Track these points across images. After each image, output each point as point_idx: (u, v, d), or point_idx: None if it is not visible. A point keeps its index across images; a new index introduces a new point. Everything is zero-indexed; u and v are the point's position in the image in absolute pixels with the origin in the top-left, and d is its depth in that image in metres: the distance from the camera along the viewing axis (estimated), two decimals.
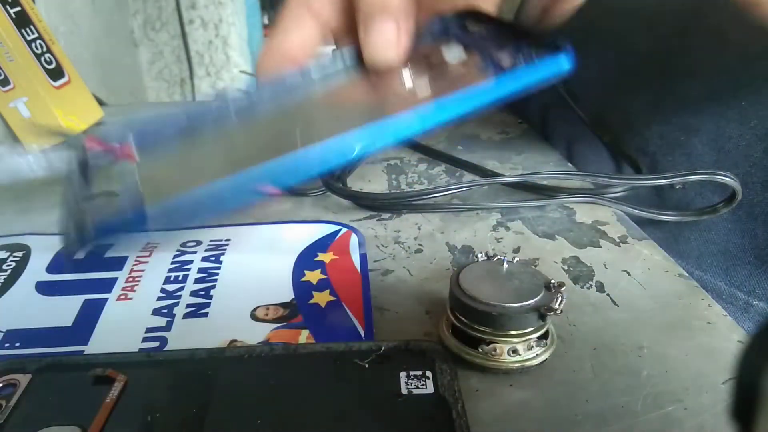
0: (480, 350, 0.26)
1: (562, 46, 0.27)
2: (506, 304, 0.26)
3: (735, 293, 0.41)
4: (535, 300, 0.26)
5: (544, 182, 0.42)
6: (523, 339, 0.26)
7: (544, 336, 0.27)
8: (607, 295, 0.32)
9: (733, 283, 0.42)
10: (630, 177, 0.39)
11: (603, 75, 0.47)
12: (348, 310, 0.30)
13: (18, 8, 0.50)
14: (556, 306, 0.26)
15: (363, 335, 0.28)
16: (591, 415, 0.24)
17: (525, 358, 0.26)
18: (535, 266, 0.34)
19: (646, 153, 0.45)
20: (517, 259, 0.29)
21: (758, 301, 0.41)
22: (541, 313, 0.26)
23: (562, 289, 0.26)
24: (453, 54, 0.28)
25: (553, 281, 0.27)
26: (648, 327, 0.29)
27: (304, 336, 0.28)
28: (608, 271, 0.34)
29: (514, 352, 0.26)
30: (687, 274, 0.33)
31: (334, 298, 0.31)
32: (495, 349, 0.26)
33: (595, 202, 0.40)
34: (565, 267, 0.34)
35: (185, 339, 0.28)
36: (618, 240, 0.37)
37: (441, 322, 0.28)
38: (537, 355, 0.26)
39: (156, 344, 0.28)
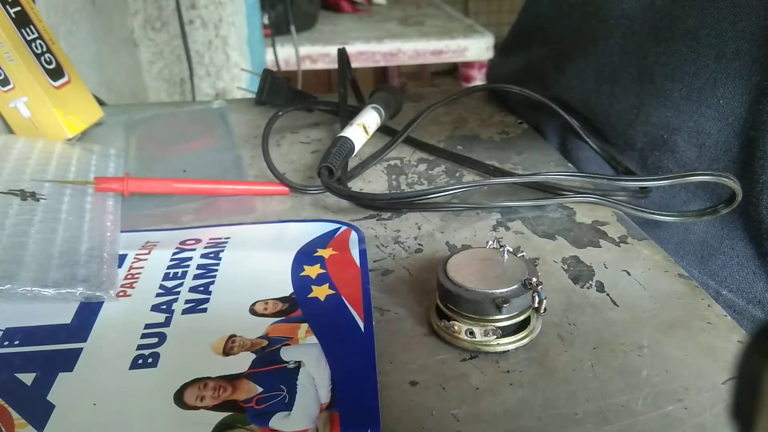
0: (443, 324, 0.28)
1: None
2: (468, 287, 0.27)
3: (707, 282, 0.43)
4: (500, 291, 0.27)
5: (547, 182, 0.42)
6: (480, 324, 0.27)
7: (513, 328, 0.28)
8: (607, 295, 0.32)
9: (706, 271, 0.43)
10: (635, 178, 0.39)
11: (583, 80, 0.49)
12: (347, 304, 0.30)
13: (18, 8, 0.50)
14: (517, 301, 0.27)
15: (362, 328, 0.28)
16: (591, 414, 0.24)
17: (481, 341, 0.28)
18: (536, 265, 0.34)
19: (633, 150, 0.46)
20: (523, 254, 0.30)
21: (727, 292, 0.42)
22: (497, 303, 0.27)
23: (539, 287, 0.28)
24: None
25: (532, 279, 0.28)
26: (648, 327, 0.29)
27: (303, 329, 0.28)
28: (608, 271, 0.34)
29: (471, 333, 0.28)
30: (687, 274, 0.33)
31: (334, 292, 0.31)
32: (454, 327, 0.28)
33: (600, 203, 0.40)
34: (565, 267, 0.34)
35: (184, 335, 0.28)
36: (618, 240, 0.37)
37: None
38: (498, 343, 0.28)
39: (155, 340, 0.28)
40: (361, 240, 0.36)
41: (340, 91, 0.54)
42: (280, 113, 0.53)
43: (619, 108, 0.46)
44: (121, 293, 0.32)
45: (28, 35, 0.51)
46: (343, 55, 0.55)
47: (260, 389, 0.25)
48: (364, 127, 0.47)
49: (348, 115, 0.52)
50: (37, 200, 0.37)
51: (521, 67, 0.57)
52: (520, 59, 0.58)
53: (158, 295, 0.31)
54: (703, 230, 0.43)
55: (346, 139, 0.45)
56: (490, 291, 0.27)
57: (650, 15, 0.43)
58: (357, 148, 0.46)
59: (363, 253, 0.34)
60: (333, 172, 0.42)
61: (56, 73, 0.52)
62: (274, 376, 0.26)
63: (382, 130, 0.52)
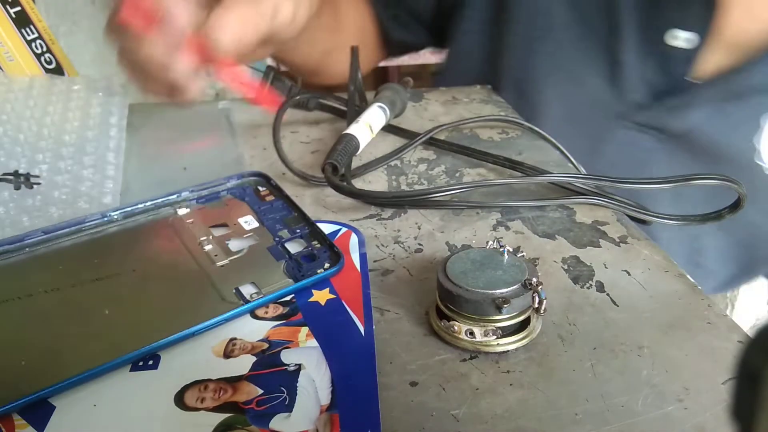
0: (443, 324, 0.28)
1: (340, 254, 0.33)
2: (467, 288, 0.27)
3: None
4: (500, 291, 0.27)
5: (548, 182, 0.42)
6: (480, 324, 0.27)
7: (513, 328, 0.28)
8: (607, 295, 0.32)
9: None
10: (638, 180, 0.39)
11: None
12: (347, 308, 0.30)
13: (18, 8, 0.50)
14: (517, 301, 0.27)
15: (363, 332, 0.28)
16: (591, 415, 0.24)
17: (481, 341, 0.28)
18: (536, 265, 0.34)
19: None
20: (523, 254, 0.30)
21: None
22: (497, 304, 0.27)
23: (539, 287, 0.28)
24: (247, 223, 0.36)
25: (532, 279, 0.28)
26: (648, 327, 0.29)
27: (303, 333, 0.28)
28: (608, 271, 0.34)
29: (471, 333, 0.28)
30: (687, 274, 0.33)
31: (334, 296, 0.31)
32: (454, 327, 0.28)
33: (601, 204, 0.40)
34: (565, 267, 0.34)
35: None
36: (618, 240, 0.37)
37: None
38: (498, 344, 0.28)
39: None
40: (362, 243, 0.36)
41: (350, 89, 0.54)
42: (297, 97, 0.53)
43: None
44: None
45: (28, 35, 0.51)
46: (355, 53, 0.55)
47: (260, 391, 0.25)
48: (369, 126, 0.47)
49: (354, 113, 0.51)
50: (32, 186, 0.37)
51: None
52: None
53: None
54: None
55: (352, 137, 0.45)
56: (490, 291, 0.27)
57: None
58: (361, 147, 0.46)
59: (363, 257, 0.34)
60: (337, 169, 0.42)
61: (56, 73, 0.52)
62: (275, 378, 0.26)
63: (385, 128, 0.52)
